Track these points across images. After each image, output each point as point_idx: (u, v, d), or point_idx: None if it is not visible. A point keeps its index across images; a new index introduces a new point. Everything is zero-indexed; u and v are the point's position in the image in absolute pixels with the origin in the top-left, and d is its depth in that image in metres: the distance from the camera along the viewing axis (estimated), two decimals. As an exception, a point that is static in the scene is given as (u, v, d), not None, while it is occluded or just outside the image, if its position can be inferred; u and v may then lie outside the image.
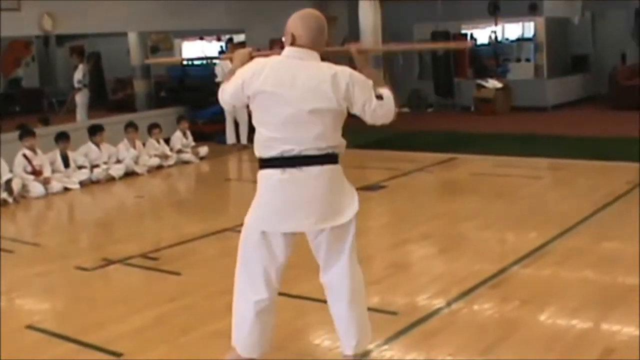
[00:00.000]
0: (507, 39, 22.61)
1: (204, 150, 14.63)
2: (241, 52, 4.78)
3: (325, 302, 4.81)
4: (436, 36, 20.22)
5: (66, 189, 12.04)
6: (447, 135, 14.42)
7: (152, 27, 18.04)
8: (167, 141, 14.29)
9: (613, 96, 18.54)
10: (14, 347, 5.59)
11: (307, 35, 4.41)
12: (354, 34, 20.37)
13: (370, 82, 4.48)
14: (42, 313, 6.61)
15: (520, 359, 4.95)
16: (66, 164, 12.44)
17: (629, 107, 17.07)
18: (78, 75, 17.02)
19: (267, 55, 4.62)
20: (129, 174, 13.10)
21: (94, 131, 13.16)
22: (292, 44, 4.43)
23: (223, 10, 17.50)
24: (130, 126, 13.61)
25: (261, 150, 4.46)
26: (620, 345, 5.07)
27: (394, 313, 5.85)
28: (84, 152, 12.89)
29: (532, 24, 20.96)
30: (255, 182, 4.63)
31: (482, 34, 22.78)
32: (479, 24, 21.96)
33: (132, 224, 10.17)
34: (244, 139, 15.20)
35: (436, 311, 5.87)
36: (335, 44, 20.97)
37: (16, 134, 12.28)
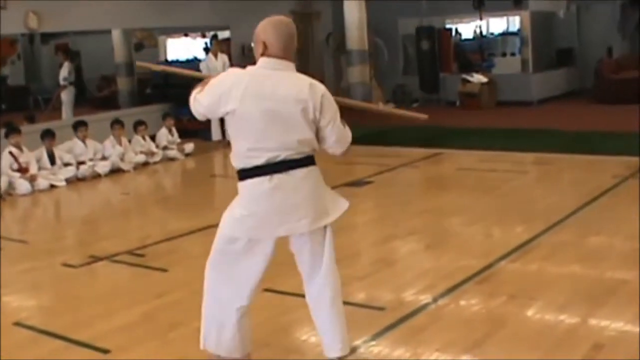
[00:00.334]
0: (492, 34, 22.61)
1: (189, 146, 14.62)
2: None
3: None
4: (421, 31, 20.26)
5: (52, 186, 12.03)
6: (432, 130, 14.42)
7: (136, 24, 18.01)
8: (152, 138, 14.27)
9: (599, 90, 18.52)
10: (1, 344, 5.57)
11: (279, 43, 4.41)
12: (338, 29, 20.39)
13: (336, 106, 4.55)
14: (29, 310, 6.59)
15: (507, 354, 4.94)
16: (52, 161, 12.42)
17: (615, 100, 17.13)
18: (64, 72, 16.99)
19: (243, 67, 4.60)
20: (115, 171, 13.09)
21: (77, 126, 13.19)
22: (264, 52, 4.43)
23: (208, 6, 17.45)
24: (117, 123, 13.61)
25: (243, 161, 4.44)
26: (609, 341, 5.06)
27: (380, 309, 5.85)
28: (69, 147, 12.89)
29: (517, 18, 20.99)
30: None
31: (467, 29, 22.80)
32: (464, 19, 21.96)
33: (118, 220, 10.15)
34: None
35: (423, 307, 5.88)
36: (319, 39, 21.10)
37: (2, 131, 12.28)
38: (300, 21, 20.60)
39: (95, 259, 7.82)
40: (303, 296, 4.74)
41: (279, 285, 6.02)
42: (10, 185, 11.59)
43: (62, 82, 17.00)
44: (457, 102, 19.72)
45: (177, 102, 16.90)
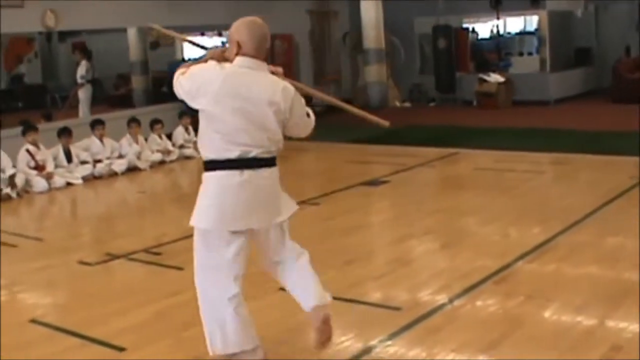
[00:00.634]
0: (509, 33, 22.53)
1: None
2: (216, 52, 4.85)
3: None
4: (437, 30, 20.21)
5: (69, 184, 12.08)
6: (449, 129, 14.37)
7: (153, 23, 17.98)
8: (169, 136, 14.29)
9: (616, 89, 18.42)
10: (17, 341, 5.61)
11: (253, 43, 4.58)
12: (355, 28, 20.38)
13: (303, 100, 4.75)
14: (45, 307, 6.61)
15: (524, 355, 4.91)
16: (69, 159, 12.47)
17: (633, 100, 16.97)
18: (81, 71, 17.01)
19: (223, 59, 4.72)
20: (132, 169, 13.12)
21: (95, 125, 13.25)
22: (238, 52, 4.57)
23: (223, 5, 17.45)
24: (133, 121, 13.64)
25: (215, 152, 4.57)
26: (627, 343, 5.01)
27: (397, 308, 5.83)
28: (86, 145, 12.92)
29: (534, 18, 20.92)
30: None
31: (484, 28, 22.73)
32: (481, 18, 21.89)
33: (135, 219, 10.18)
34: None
35: (439, 307, 5.86)
36: (336, 39, 21.08)
37: (19, 129, 12.34)
38: (317, 20, 20.62)
39: (112, 257, 7.84)
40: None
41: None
42: (27, 182, 11.64)
43: (79, 81, 17.03)
44: (474, 101, 19.65)
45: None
